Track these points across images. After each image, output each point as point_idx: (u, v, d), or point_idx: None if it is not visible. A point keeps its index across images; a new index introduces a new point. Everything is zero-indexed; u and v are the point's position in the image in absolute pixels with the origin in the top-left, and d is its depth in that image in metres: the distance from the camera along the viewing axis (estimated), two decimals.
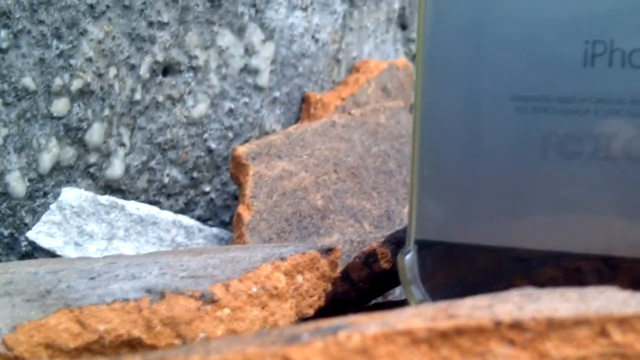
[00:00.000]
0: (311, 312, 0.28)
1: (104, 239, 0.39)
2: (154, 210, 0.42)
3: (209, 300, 0.24)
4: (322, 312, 0.29)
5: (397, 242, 0.34)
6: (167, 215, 0.42)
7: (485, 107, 0.26)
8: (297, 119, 0.52)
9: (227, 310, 0.24)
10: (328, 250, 0.29)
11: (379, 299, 0.38)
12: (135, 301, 0.24)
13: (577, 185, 0.25)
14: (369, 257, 0.36)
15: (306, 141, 0.46)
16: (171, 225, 0.41)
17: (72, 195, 0.40)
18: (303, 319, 0.27)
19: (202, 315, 0.24)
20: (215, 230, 0.43)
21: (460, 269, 0.27)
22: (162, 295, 0.24)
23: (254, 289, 0.25)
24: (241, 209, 0.41)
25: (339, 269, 0.36)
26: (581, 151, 0.25)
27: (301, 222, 0.42)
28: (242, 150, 0.43)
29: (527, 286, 0.26)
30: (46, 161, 0.40)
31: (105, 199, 0.41)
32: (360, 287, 0.35)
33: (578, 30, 0.25)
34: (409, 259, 0.27)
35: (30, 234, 0.38)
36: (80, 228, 0.39)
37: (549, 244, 0.26)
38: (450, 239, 0.27)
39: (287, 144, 0.45)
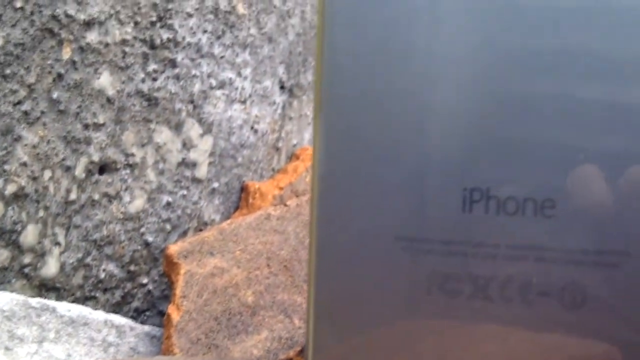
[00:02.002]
0: None
1: (34, 342, 0.40)
2: (85, 310, 0.42)
3: None
4: None
5: None
6: (99, 315, 0.43)
7: (374, 246, 0.28)
8: (237, 208, 0.53)
9: None
10: None
11: None
12: None
13: (459, 322, 0.27)
14: None
15: (240, 236, 0.47)
16: (102, 325, 0.42)
17: (4, 299, 0.41)
18: None
19: None
20: (147, 328, 0.44)
21: None
22: None
23: None
24: (171, 309, 0.42)
25: None
26: (462, 291, 0.27)
27: (230, 321, 0.43)
28: (173, 249, 0.44)
29: None
30: None
31: (37, 301, 0.41)
32: None
33: (457, 178, 0.27)
34: None
35: None
36: (11, 332, 0.40)
37: None
38: None
39: (220, 240, 0.46)
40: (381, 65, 0.29)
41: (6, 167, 0.41)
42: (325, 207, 0.28)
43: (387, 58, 0.29)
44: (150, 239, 0.49)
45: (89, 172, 0.45)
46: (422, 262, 0.27)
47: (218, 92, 0.51)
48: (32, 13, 0.41)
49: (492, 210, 0.27)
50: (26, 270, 0.43)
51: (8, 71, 0.40)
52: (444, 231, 0.27)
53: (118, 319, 0.43)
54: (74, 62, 0.43)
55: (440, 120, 0.27)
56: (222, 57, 0.51)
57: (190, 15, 0.49)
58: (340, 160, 0.28)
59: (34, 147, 0.42)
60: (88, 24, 0.43)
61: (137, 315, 0.48)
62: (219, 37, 0.51)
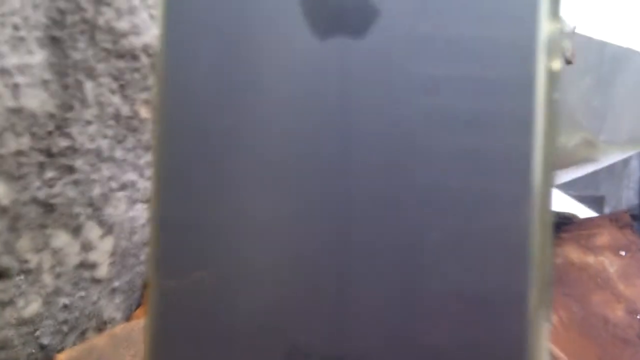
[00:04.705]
0: None
1: None
2: None
3: None
4: None
5: None
6: None
7: None
8: (139, 305, 0.54)
9: None
10: None
11: None
12: None
13: None
14: None
15: (131, 340, 0.48)
16: None
17: None
18: None
19: None
20: None
21: None
22: None
23: None
24: None
25: None
26: None
27: None
28: (60, 358, 0.45)
29: None
30: None
31: None
32: None
33: (275, 337, 0.28)
34: None
35: None
36: None
37: None
38: None
39: (111, 345, 0.47)
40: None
41: None
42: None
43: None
44: (45, 341, 0.49)
45: None
46: None
47: (119, 194, 0.52)
48: None
49: None
50: None
51: None
52: None
53: None
54: None
55: (256, 282, 0.29)
56: (123, 160, 0.53)
57: (89, 123, 0.50)
58: (176, 337, 0.30)
59: None
60: None
61: None
62: (120, 142, 0.52)
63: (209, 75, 0.28)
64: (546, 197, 0.26)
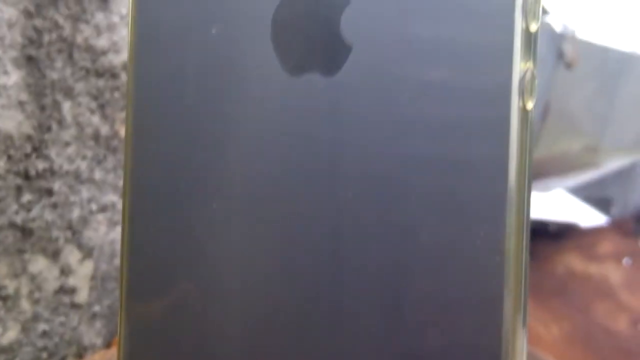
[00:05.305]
0: None
1: None
2: None
3: None
4: None
5: None
6: None
7: None
8: None
9: None
10: None
11: None
12: None
13: None
14: None
15: None
16: None
17: None
18: None
19: None
20: None
21: None
22: None
23: None
24: None
25: None
26: None
27: None
28: None
29: None
30: None
31: None
32: None
33: None
34: None
35: None
36: None
37: None
38: None
39: None
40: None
41: None
42: None
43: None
44: None
45: None
46: None
47: (99, 216, 0.51)
48: None
49: None
50: None
51: None
52: None
53: None
54: None
55: (233, 303, 0.27)
56: (103, 181, 0.51)
57: (68, 144, 0.49)
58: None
59: None
60: None
61: None
62: (100, 162, 0.51)
63: (180, 101, 0.27)
64: (522, 206, 0.25)
